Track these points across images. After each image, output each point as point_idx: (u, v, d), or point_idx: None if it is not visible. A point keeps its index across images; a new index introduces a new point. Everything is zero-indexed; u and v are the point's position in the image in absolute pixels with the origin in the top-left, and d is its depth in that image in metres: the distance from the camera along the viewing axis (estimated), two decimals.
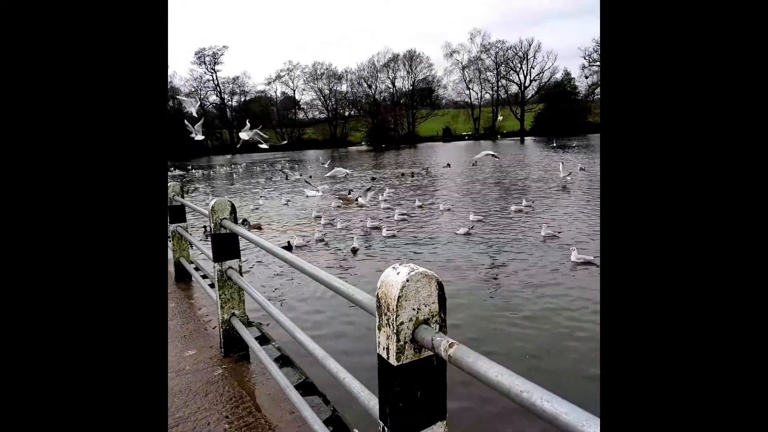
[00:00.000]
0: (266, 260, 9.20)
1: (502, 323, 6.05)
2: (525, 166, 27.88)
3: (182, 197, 4.96)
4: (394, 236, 10.94)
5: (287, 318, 2.23)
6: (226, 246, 3.06)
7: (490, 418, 3.99)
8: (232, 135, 69.54)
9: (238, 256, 3.12)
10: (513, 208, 13.59)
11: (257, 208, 16.49)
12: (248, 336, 2.88)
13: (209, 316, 3.94)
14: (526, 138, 66.56)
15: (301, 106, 79.30)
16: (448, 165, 29.40)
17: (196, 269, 4.67)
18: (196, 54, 72.76)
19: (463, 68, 76.41)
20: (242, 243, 3.17)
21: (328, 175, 16.04)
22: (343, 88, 78.25)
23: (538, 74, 74.22)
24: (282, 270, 8.58)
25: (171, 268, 5.08)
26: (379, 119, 73.45)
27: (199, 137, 11.23)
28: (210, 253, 3.18)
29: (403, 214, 13.26)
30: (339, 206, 15.87)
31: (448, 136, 73.59)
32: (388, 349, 1.14)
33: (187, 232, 4.94)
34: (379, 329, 1.17)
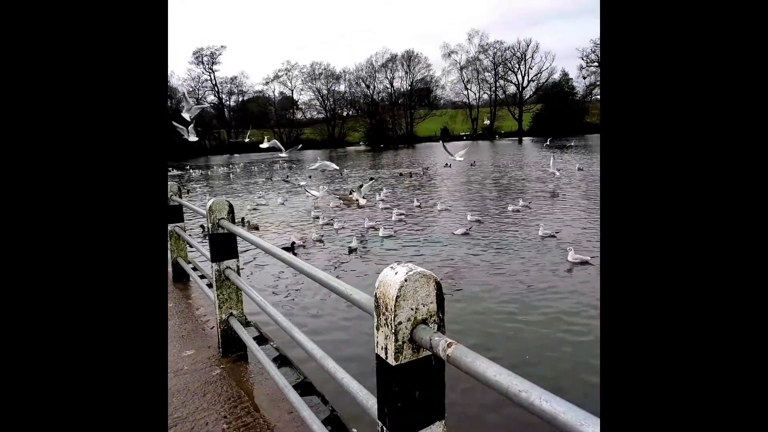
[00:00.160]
0: (264, 260, 9.19)
1: (500, 323, 6.05)
2: (523, 166, 27.93)
3: (180, 197, 4.95)
4: (391, 236, 10.95)
5: (285, 318, 2.22)
6: (223, 246, 3.05)
7: (488, 418, 3.99)
8: (229, 135, 69.47)
9: (236, 256, 3.11)
10: (510, 208, 13.63)
11: (255, 209, 16.47)
12: (246, 336, 2.87)
13: (207, 316, 3.93)
14: (524, 138, 66.67)
15: (299, 106, 79.26)
16: (448, 165, 29.46)
17: (194, 269, 4.66)
18: (194, 54, 72.74)
19: (461, 68, 76.65)
20: (241, 243, 3.17)
21: (313, 168, 16.15)
22: (342, 88, 78.34)
23: (536, 75, 74.52)
24: (280, 270, 8.57)
25: (169, 269, 5.08)
26: (377, 119, 73.43)
27: (192, 138, 11.18)
28: (208, 253, 3.18)
29: (401, 214, 13.26)
30: (338, 206, 15.85)
31: (446, 136, 73.60)
32: (386, 349, 1.14)
33: (185, 232, 4.94)
34: (378, 329, 1.17)
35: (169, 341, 3.44)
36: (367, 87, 76.73)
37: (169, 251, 5.02)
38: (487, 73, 75.92)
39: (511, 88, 76.41)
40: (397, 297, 1.09)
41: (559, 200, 15.14)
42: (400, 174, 26.30)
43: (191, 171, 37.66)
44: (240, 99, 76.52)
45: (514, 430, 3.85)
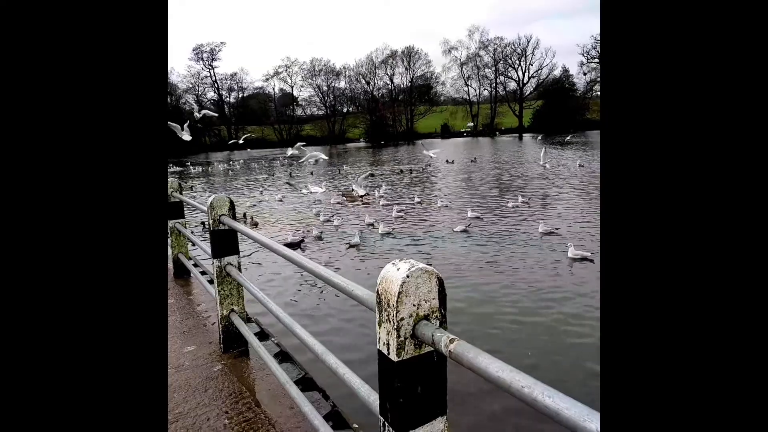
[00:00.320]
0: (265, 256, 9.20)
1: (500, 320, 6.06)
2: (524, 162, 27.90)
3: (180, 193, 4.95)
4: (391, 233, 10.95)
5: (287, 314, 2.23)
6: (224, 242, 3.05)
7: (490, 413, 4.00)
8: (230, 131, 69.34)
9: (237, 252, 3.11)
10: (510, 204, 13.63)
11: (254, 205, 16.47)
12: (247, 332, 2.88)
13: (208, 312, 3.94)
14: (524, 134, 66.57)
15: (299, 103, 79.07)
16: (452, 161, 29.45)
17: (195, 265, 4.66)
18: (193, 50, 72.61)
19: (462, 65, 76.38)
20: (241, 239, 3.17)
21: (302, 160, 16.17)
22: (342, 84, 78.09)
23: (537, 71, 74.27)
24: (281, 266, 8.58)
25: (169, 265, 5.08)
26: (378, 116, 73.32)
27: (187, 137, 11.17)
28: (208, 249, 3.18)
29: (401, 211, 13.27)
30: (339, 202, 15.85)
31: (447, 132, 73.55)
32: (388, 344, 1.14)
33: (185, 228, 4.94)
34: (380, 325, 1.17)
35: (171, 337, 3.45)
36: (367, 83, 76.58)
37: (169, 247, 5.03)
38: (487, 70, 75.80)
39: (512, 85, 76.34)
40: (400, 293, 1.09)
41: (559, 198, 15.13)
42: (401, 171, 26.28)
43: (191, 167, 37.63)
44: (240, 95, 76.43)
45: (515, 425, 3.87)
